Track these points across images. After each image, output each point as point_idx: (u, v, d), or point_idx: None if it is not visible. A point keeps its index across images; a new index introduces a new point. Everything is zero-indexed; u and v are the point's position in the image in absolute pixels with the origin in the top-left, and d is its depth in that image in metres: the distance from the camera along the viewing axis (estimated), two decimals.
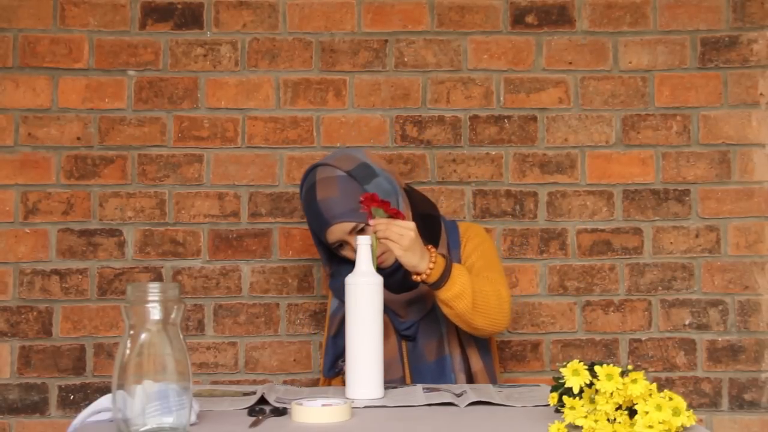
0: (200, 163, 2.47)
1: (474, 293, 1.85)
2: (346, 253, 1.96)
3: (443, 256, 1.86)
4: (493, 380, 2.01)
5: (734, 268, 2.47)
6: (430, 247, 1.85)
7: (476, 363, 1.99)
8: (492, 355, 2.06)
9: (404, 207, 2.00)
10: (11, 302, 2.42)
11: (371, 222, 1.79)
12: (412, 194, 2.06)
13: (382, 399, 1.60)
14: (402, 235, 1.77)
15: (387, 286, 1.90)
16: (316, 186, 1.95)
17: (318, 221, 1.95)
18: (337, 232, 1.93)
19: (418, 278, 1.83)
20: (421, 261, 1.80)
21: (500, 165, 2.49)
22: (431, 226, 2.01)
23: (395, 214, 1.81)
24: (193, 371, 1.33)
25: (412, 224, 1.80)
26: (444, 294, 1.84)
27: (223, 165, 2.47)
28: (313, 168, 2.00)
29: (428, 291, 1.94)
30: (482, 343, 2.02)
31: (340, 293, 1.99)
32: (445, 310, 1.88)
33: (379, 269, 1.92)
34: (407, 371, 1.98)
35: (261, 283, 2.46)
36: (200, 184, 2.47)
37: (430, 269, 1.81)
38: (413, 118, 2.49)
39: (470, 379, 1.98)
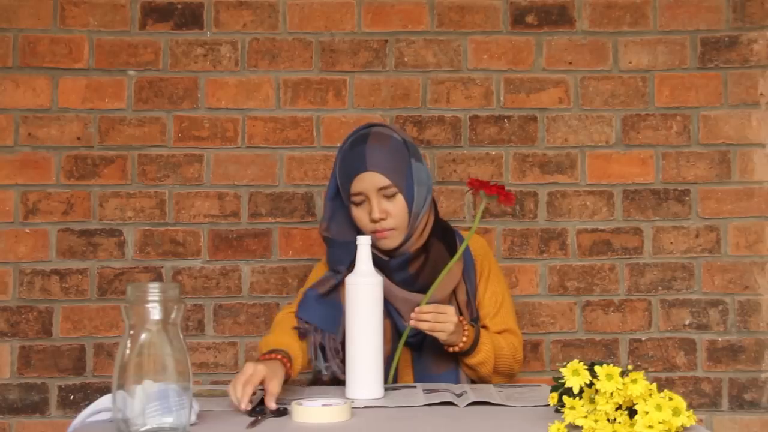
0: (200, 163, 2.47)
1: (495, 358, 1.93)
2: (359, 212, 1.92)
3: (472, 324, 1.91)
4: None
5: (734, 268, 2.47)
6: (461, 318, 1.89)
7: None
8: None
9: (430, 209, 1.99)
10: (11, 302, 2.42)
11: (415, 312, 1.80)
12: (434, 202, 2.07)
13: (382, 399, 1.60)
14: (446, 323, 1.81)
15: (396, 281, 1.90)
16: (370, 136, 1.94)
17: (354, 164, 1.91)
18: (366, 181, 1.89)
19: (453, 349, 1.88)
20: (458, 337, 1.86)
21: (500, 165, 2.49)
22: (450, 238, 2.01)
23: (503, 194, 1.79)
24: (193, 371, 1.33)
25: (451, 309, 1.83)
26: (471, 360, 1.91)
27: (223, 165, 2.47)
28: (369, 125, 1.99)
29: (440, 297, 1.92)
30: None
31: (334, 264, 1.95)
32: (467, 371, 1.95)
33: (389, 256, 1.92)
34: (412, 380, 1.96)
35: (261, 283, 2.46)
36: (200, 184, 2.47)
37: (464, 342, 1.88)
38: (413, 118, 2.49)
39: None
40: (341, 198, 1.98)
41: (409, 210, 1.91)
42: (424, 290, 1.89)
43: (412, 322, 1.81)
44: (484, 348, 1.91)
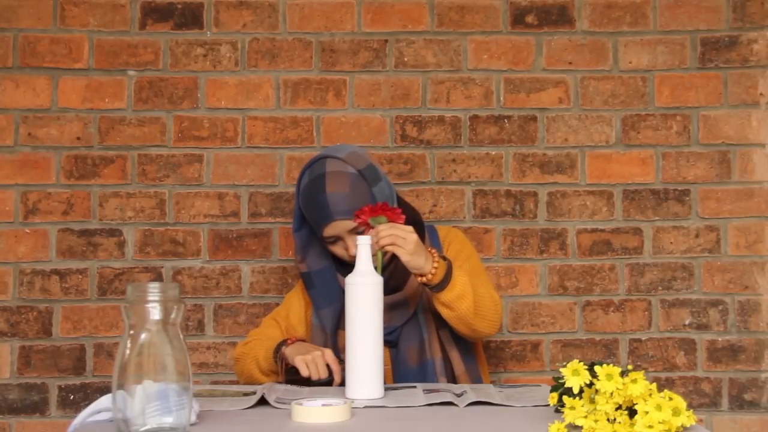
0: (200, 163, 2.47)
1: (474, 295, 1.87)
2: (336, 249, 1.96)
3: (443, 258, 1.87)
4: (478, 382, 2.00)
5: (734, 268, 2.47)
6: (431, 249, 1.86)
7: (458, 366, 1.98)
8: (476, 357, 2.06)
9: None
10: (11, 302, 2.42)
11: (372, 232, 1.79)
12: (400, 200, 2.07)
13: (382, 399, 1.60)
14: (405, 239, 1.78)
15: None
16: (326, 177, 1.93)
17: (320, 213, 1.93)
18: (337, 227, 1.93)
19: (423, 279, 1.83)
20: (426, 262, 1.81)
21: (500, 165, 2.49)
22: (417, 233, 2.01)
23: (395, 215, 1.82)
24: (193, 371, 1.33)
25: (410, 227, 1.81)
26: (447, 295, 1.85)
27: (223, 165, 2.47)
28: (322, 158, 1.98)
29: (411, 295, 1.95)
30: (464, 346, 2.01)
31: (322, 300, 2.00)
32: (446, 312, 1.88)
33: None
34: (390, 377, 1.97)
35: (261, 283, 2.46)
36: (200, 184, 2.47)
37: (435, 269, 1.82)
38: (413, 118, 2.49)
39: (453, 382, 1.97)
40: (308, 227, 2.02)
41: None
42: (396, 290, 1.93)
43: (371, 239, 1.72)
44: (461, 280, 1.85)
